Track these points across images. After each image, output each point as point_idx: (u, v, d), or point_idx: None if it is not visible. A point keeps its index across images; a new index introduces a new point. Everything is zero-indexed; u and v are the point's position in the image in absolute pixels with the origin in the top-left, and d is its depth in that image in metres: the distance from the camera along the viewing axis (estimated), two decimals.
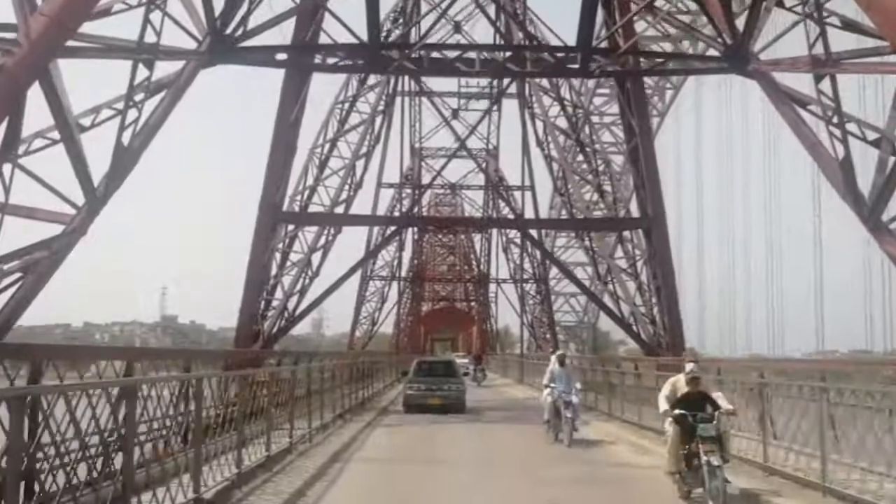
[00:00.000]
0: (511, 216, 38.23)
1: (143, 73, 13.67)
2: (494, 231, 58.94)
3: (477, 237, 70.67)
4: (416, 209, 38.46)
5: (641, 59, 22.08)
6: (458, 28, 28.97)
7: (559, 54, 20.38)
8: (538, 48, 20.25)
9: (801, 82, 15.71)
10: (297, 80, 28.45)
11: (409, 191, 51.92)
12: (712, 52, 19.81)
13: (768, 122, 41.15)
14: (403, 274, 55.85)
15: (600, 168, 34.24)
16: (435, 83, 51.92)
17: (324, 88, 36.93)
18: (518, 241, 54.72)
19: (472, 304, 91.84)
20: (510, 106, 60.02)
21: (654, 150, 28.21)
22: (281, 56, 18.05)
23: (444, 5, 27.66)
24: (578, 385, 18.15)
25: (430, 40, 21.09)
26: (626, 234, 31.74)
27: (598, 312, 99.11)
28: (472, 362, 41.54)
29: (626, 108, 28.90)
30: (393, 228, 31.61)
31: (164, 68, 15.02)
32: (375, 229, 42.84)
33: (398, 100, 47.35)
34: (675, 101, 56.99)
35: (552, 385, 17.38)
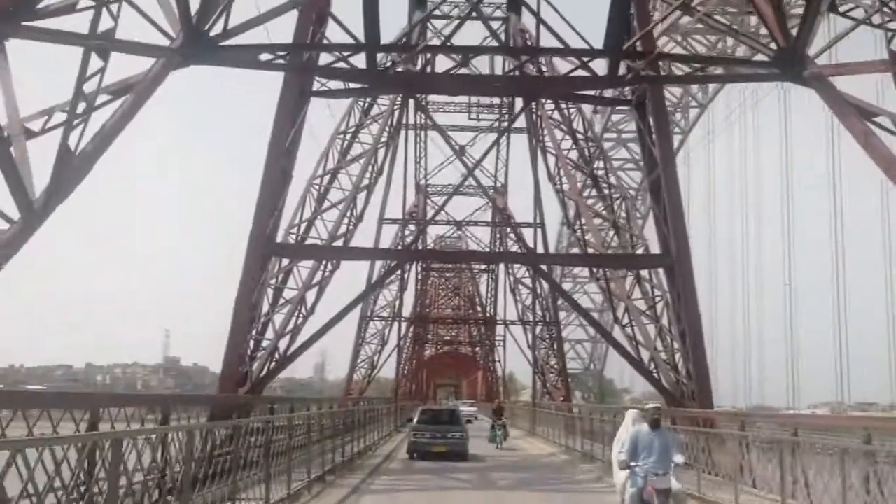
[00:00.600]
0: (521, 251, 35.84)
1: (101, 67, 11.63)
2: (501, 271, 56.85)
3: (483, 278, 68.52)
4: (419, 244, 36.33)
5: (676, 65, 19.86)
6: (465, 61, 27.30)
7: (584, 59, 18.15)
8: (558, 51, 18.15)
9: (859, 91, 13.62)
10: (294, 101, 26.71)
11: (412, 227, 49.90)
12: (759, 57, 17.56)
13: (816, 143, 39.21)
14: (406, 315, 53.63)
15: (615, 201, 32.20)
16: (442, 118, 50.55)
17: (324, 122, 34.92)
18: (527, 280, 52.54)
19: (477, 349, 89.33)
20: (519, 142, 58.29)
21: (678, 181, 26.13)
22: (266, 57, 16.02)
23: (447, 32, 26.16)
24: (681, 459, 11.14)
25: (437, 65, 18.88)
26: (645, 273, 29.60)
27: (604, 360, 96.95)
28: (491, 417, 32.43)
29: (647, 136, 26.94)
30: (394, 263, 29.47)
31: (132, 68, 13.05)
32: (377, 266, 40.79)
33: (403, 134, 45.69)
34: (698, 119, 55.24)
35: (636, 463, 10.79)
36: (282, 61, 16.39)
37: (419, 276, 61.91)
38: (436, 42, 30.98)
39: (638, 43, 19.04)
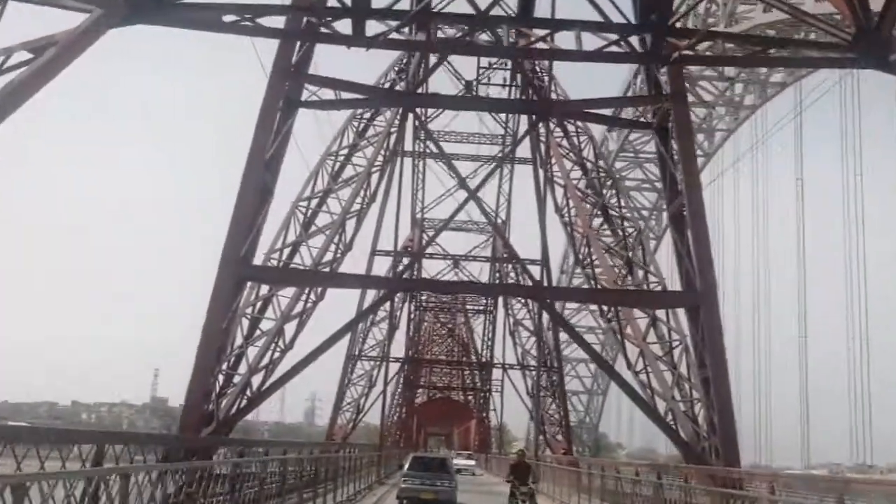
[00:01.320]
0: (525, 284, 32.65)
1: None
2: (500, 313, 54.25)
3: (479, 321, 65.71)
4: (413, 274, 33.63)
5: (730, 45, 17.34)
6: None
7: (620, 35, 15.61)
8: (587, 25, 15.65)
9: None
10: (279, 110, 24.35)
11: (406, 262, 47.43)
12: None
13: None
14: (396, 355, 50.71)
15: (629, 234, 29.68)
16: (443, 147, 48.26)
17: (313, 141, 32.55)
18: (527, 322, 49.80)
19: (470, 397, 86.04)
20: (522, 175, 56.15)
21: (704, 210, 23.61)
22: (230, 18, 13.51)
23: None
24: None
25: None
26: (661, 313, 26.97)
27: (600, 413, 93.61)
28: (508, 478, 23.08)
29: (669, 161, 24.53)
30: (384, 293, 26.81)
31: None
32: (368, 298, 38.19)
33: (400, 162, 43.35)
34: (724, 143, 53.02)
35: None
36: (249, 24, 13.90)
37: (412, 317, 59.24)
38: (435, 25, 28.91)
39: (680, 21, 16.57)
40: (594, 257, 29.45)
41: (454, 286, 28.61)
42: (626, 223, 30.47)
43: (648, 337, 27.67)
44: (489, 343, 62.30)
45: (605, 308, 29.36)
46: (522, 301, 50.55)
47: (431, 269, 60.06)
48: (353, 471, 20.47)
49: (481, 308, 63.33)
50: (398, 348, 52.57)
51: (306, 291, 28.36)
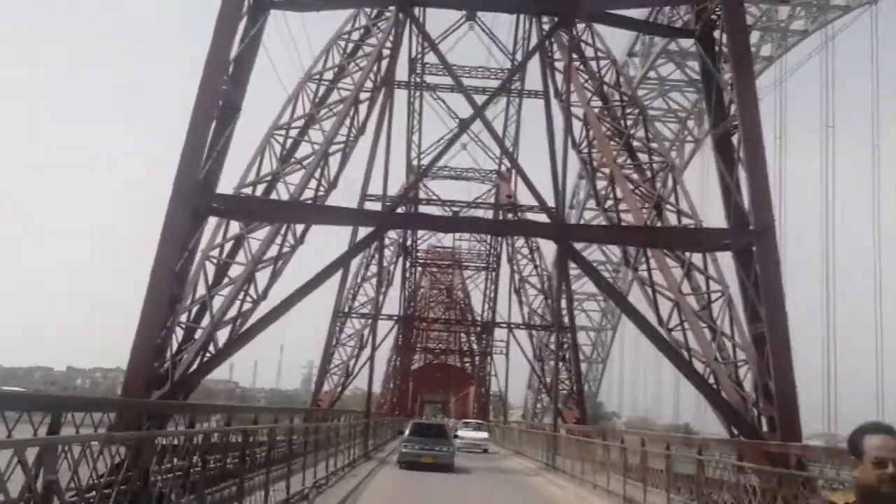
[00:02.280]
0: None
1: None
2: (504, 270, 50.59)
3: (480, 279, 61.93)
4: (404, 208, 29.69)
5: None
6: None
7: None
8: None
9: None
10: (244, 9, 20.46)
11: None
12: None
13: None
14: (389, 313, 46.86)
15: (659, 170, 25.89)
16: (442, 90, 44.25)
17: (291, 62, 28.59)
18: (534, 280, 46.11)
19: (468, 362, 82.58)
20: (531, 117, 52.20)
21: (761, 132, 19.82)
22: None
23: None
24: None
25: None
26: (695, 262, 23.33)
27: (599, 381, 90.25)
28: None
29: (715, 73, 20.71)
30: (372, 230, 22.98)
31: None
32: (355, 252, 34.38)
33: (392, 103, 39.30)
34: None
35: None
36: None
37: (407, 275, 55.52)
38: None
39: None
40: (619, 195, 25.64)
41: (456, 223, 24.79)
42: (654, 157, 26.69)
43: (682, 288, 24.09)
44: (490, 303, 58.70)
45: (630, 256, 25.66)
46: (529, 257, 46.94)
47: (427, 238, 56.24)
48: (327, 445, 16.69)
49: (482, 265, 59.64)
50: (392, 306, 49.05)
51: (282, 232, 24.64)
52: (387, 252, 46.41)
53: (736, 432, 21.06)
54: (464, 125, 23.98)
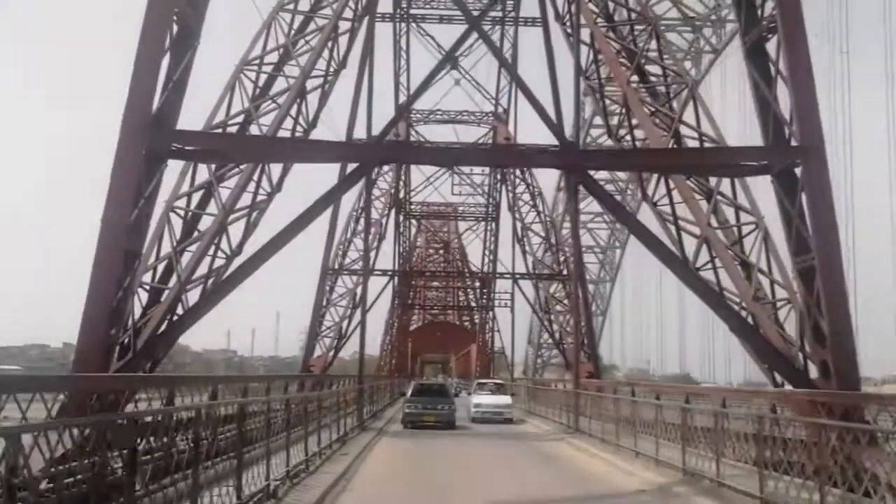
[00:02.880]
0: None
1: None
2: (505, 219, 48.08)
3: (478, 233, 59.33)
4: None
5: None
6: None
7: None
8: None
9: None
10: None
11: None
12: None
13: None
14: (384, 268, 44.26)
15: (676, 93, 23.35)
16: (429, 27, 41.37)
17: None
18: (537, 227, 43.64)
19: (466, 321, 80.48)
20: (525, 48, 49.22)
21: (806, 33, 17.29)
22: None
23: None
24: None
25: None
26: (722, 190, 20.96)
27: (600, 334, 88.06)
28: None
29: None
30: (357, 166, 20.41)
31: None
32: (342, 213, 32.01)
33: (373, 40, 36.41)
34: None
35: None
36: None
37: (401, 229, 52.97)
38: None
39: None
40: (634, 122, 23.09)
41: (454, 155, 22.07)
42: (669, 77, 24.09)
43: (710, 221, 21.69)
44: (491, 255, 56.22)
45: (647, 188, 23.17)
46: (531, 203, 44.45)
47: (418, 173, 53.66)
48: (307, 419, 14.08)
49: (481, 216, 57.01)
50: (386, 262, 46.51)
51: (256, 178, 22.14)
52: (378, 204, 44.05)
53: (779, 381, 18.92)
54: (458, 44, 21.26)
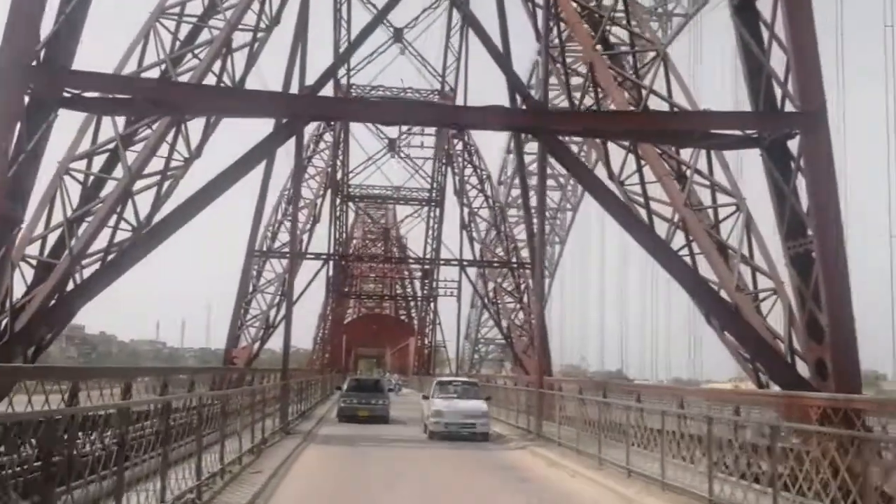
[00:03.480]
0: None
1: None
2: (450, 204, 45.61)
3: (421, 220, 56.71)
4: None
5: None
6: None
7: None
8: None
9: None
10: None
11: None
12: None
13: None
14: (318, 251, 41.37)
15: (647, 64, 21.29)
16: None
17: None
18: (485, 213, 41.43)
19: (403, 316, 77.95)
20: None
21: None
22: None
23: None
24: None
25: None
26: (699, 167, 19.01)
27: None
28: None
29: None
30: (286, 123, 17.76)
31: None
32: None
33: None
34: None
35: None
36: None
37: (337, 213, 50.14)
38: None
39: None
40: (602, 90, 20.94)
41: (402, 110, 19.43)
42: (637, 46, 21.93)
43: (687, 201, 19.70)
44: (434, 242, 53.75)
45: (614, 166, 21.04)
46: (479, 188, 42.26)
47: (359, 155, 50.97)
48: (208, 426, 10.98)
49: (424, 200, 54.41)
50: (320, 246, 43.42)
51: (170, 139, 19.40)
52: (313, 183, 41.23)
53: (764, 381, 17.06)
54: None
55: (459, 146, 42.18)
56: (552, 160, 28.20)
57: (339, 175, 47.67)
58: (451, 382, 25.05)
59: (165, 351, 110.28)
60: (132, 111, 16.99)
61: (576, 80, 24.94)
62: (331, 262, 44.68)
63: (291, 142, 24.63)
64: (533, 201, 33.24)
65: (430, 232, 54.43)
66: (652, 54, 21.51)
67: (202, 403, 10.50)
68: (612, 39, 23.72)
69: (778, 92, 16.31)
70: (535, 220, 31.65)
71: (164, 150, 19.22)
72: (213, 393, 13.72)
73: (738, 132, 16.89)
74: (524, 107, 18.66)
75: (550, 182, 53.92)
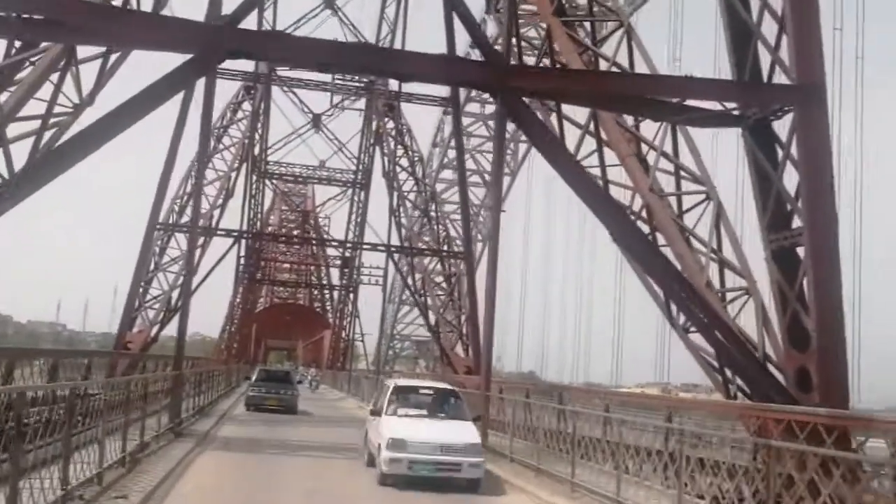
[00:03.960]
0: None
1: None
2: (376, 187, 42.99)
3: (346, 198, 53.94)
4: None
5: None
6: None
7: None
8: None
9: None
10: None
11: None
12: None
13: None
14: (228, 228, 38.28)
15: (606, 30, 19.41)
16: None
17: None
18: (412, 197, 39.20)
19: (318, 307, 75.25)
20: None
21: None
22: None
23: None
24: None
25: None
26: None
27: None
28: None
29: None
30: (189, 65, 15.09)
31: None
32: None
33: None
34: None
35: None
36: None
37: (253, 191, 47.10)
38: None
39: None
40: (560, 59, 18.94)
41: (332, 53, 16.82)
42: (596, 11, 19.99)
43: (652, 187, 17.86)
44: (357, 227, 51.22)
45: (570, 145, 19.10)
46: (410, 170, 40.02)
47: (280, 130, 48.12)
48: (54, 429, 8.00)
49: (349, 181, 51.80)
50: (232, 221, 40.27)
51: (55, 79, 16.61)
52: (227, 155, 38.34)
53: (732, 391, 15.33)
54: None
55: (390, 125, 40.00)
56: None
57: (256, 150, 44.82)
58: (416, 390, 15.89)
59: (65, 334, 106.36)
60: (5, 32, 14.16)
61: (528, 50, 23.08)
62: (242, 242, 41.85)
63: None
64: (470, 163, 30.91)
65: (354, 217, 51.98)
66: (614, 24, 19.80)
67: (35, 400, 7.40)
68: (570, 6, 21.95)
69: (766, 63, 14.62)
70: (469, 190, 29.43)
71: (45, 90, 16.53)
72: (49, 385, 10.10)
73: (718, 105, 15.11)
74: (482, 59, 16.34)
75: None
